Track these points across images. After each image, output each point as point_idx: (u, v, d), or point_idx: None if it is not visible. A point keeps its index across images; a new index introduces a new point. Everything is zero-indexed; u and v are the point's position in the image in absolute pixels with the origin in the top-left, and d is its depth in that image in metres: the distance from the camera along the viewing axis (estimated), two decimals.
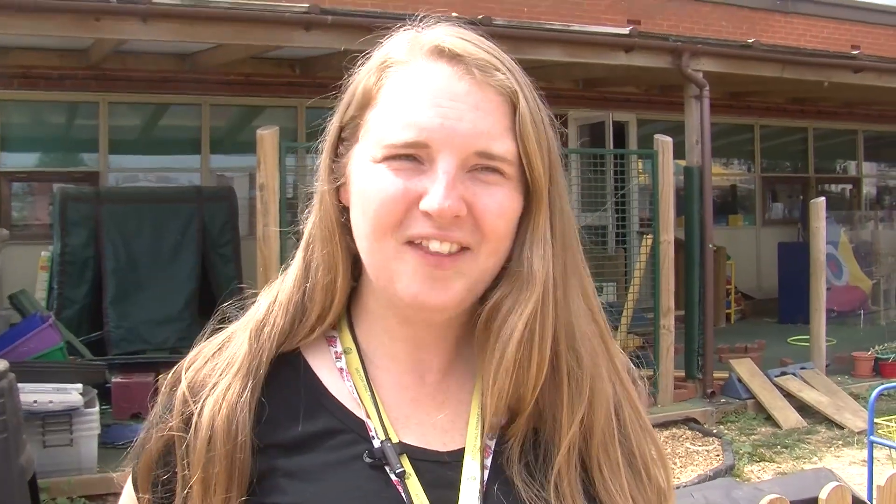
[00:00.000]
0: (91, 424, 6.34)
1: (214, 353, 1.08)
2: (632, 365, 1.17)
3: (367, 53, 1.08)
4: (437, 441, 1.04)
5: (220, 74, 10.43)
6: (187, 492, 1.01)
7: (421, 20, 1.07)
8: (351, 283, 1.09)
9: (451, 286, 0.98)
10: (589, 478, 1.03)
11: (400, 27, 1.08)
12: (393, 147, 0.99)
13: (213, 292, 9.31)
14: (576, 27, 9.58)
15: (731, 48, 9.98)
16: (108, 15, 7.09)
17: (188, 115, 11.14)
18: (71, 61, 9.98)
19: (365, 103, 1.04)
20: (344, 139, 1.07)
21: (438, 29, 1.05)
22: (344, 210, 1.06)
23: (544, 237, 1.03)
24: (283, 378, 1.06)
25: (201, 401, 1.03)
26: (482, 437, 1.04)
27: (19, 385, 5.36)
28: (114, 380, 7.48)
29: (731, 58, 9.80)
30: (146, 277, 9.12)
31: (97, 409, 6.48)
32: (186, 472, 1.01)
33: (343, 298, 1.08)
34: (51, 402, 6.10)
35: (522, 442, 1.03)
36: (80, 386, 6.34)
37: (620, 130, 12.91)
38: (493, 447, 1.04)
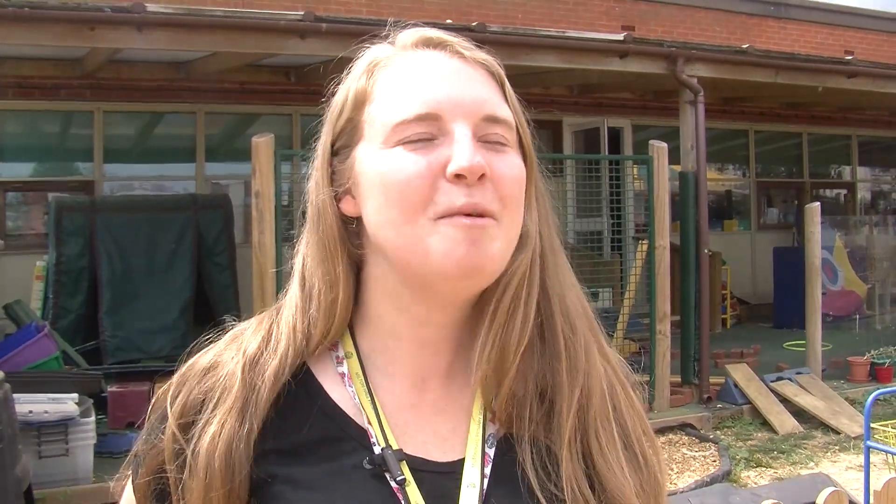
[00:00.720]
0: (87, 434, 6.32)
1: (201, 377, 1.06)
2: (629, 369, 1.17)
3: (349, 67, 1.10)
4: (436, 450, 1.04)
5: (214, 82, 10.43)
6: None
7: (393, 31, 1.11)
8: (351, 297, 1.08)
9: (490, 247, 0.98)
10: (586, 447, 1.04)
11: (377, 38, 1.11)
12: (405, 123, 1.00)
13: (209, 301, 9.31)
14: (571, 33, 9.59)
15: (726, 53, 10.01)
16: (103, 24, 7.09)
17: (183, 124, 11.14)
18: (65, 71, 9.98)
19: (361, 103, 1.05)
20: (341, 149, 1.07)
21: (413, 28, 1.10)
22: (346, 220, 1.06)
23: (534, 205, 1.07)
24: (288, 387, 1.05)
25: (193, 439, 1.01)
26: (483, 444, 1.04)
27: (15, 395, 5.35)
28: (109, 389, 7.47)
29: (726, 63, 9.82)
30: (141, 286, 9.11)
31: (93, 418, 6.46)
32: None
33: (345, 315, 1.07)
34: (46, 412, 6.08)
35: (531, 448, 1.03)
36: (75, 395, 6.32)
37: (615, 136, 12.94)
38: (492, 455, 1.04)
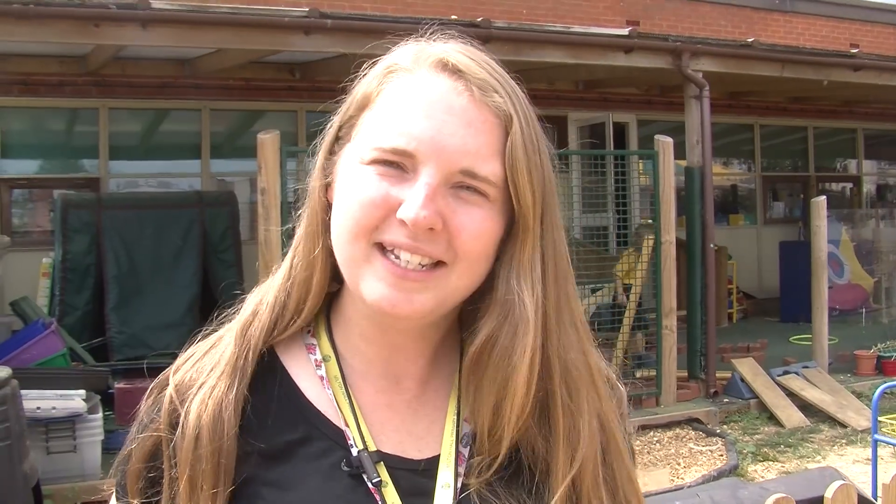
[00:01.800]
0: (94, 430, 6.35)
1: (202, 355, 1.10)
2: (611, 373, 1.16)
3: (375, 59, 1.09)
4: (412, 448, 1.06)
5: (219, 79, 10.43)
6: (175, 490, 1.02)
7: (432, 33, 1.08)
8: (333, 286, 1.10)
9: (415, 299, 0.99)
10: None
11: (411, 37, 1.08)
12: (381, 150, 0.99)
13: (215, 297, 9.30)
14: (575, 29, 9.58)
15: (731, 48, 9.98)
16: (108, 21, 7.09)
17: (188, 120, 11.14)
18: (71, 68, 9.99)
19: (363, 105, 1.05)
20: (340, 138, 1.08)
21: (448, 44, 1.06)
22: (330, 208, 1.07)
23: (532, 268, 1.02)
24: (265, 386, 1.07)
25: (188, 401, 1.04)
26: (457, 444, 1.05)
27: (22, 392, 5.36)
28: (116, 385, 7.48)
29: (731, 57, 9.80)
30: (147, 283, 9.12)
31: (100, 414, 6.48)
32: (174, 471, 1.02)
33: (319, 296, 1.09)
34: (54, 408, 6.10)
35: (501, 455, 1.03)
36: (83, 392, 6.33)
37: (621, 131, 12.91)
38: (466, 455, 1.04)
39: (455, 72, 1.01)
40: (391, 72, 1.04)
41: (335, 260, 1.06)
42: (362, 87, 1.07)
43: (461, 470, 1.03)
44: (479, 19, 8.32)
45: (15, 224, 10.42)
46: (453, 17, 9.08)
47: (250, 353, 1.06)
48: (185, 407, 1.03)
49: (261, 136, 7.02)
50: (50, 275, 9.30)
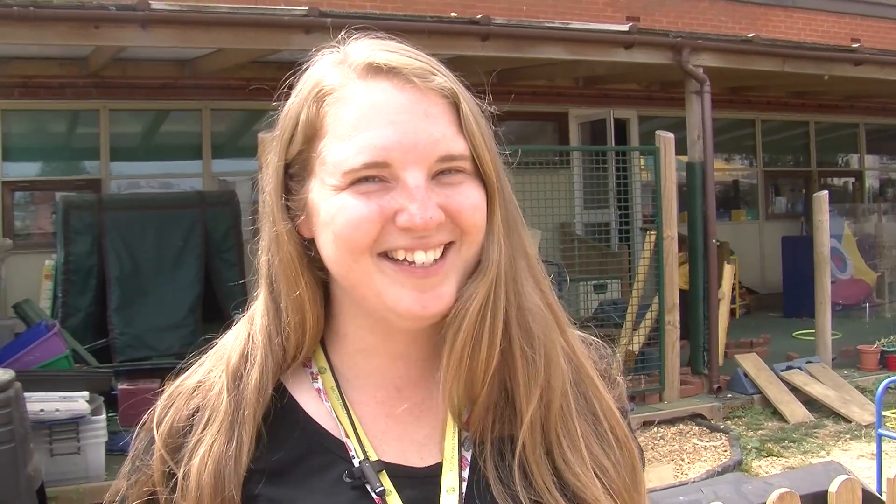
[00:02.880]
0: (98, 432, 6.35)
1: (186, 399, 1.08)
2: (601, 354, 1.18)
3: (290, 81, 1.08)
4: (415, 456, 1.05)
5: (220, 79, 10.42)
6: None
7: (339, 39, 1.08)
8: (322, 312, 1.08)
9: (442, 291, 0.99)
10: (550, 453, 1.04)
11: (317, 50, 1.09)
12: (353, 172, 0.98)
13: (217, 297, 9.32)
14: (575, 25, 9.57)
15: (732, 43, 9.97)
16: (107, 22, 7.10)
17: (189, 121, 11.14)
18: (71, 70, 9.99)
19: (311, 136, 1.03)
20: (293, 175, 1.06)
21: (362, 46, 1.05)
22: (305, 242, 1.06)
23: (497, 225, 1.04)
24: (271, 399, 1.06)
25: (183, 461, 1.03)
26: (459, 448, 1.04)
27: (26, 394, 5.37)
28: (120, 387, 7.48)
29: (732, 53, 9.79)
30: (150, 284, 9.12)
31: (104, 416, 6.49)
32: None
33: (315, 332, 1.08)
34: (57, 410, 6.10)
35: (498, 448, 1.03)
36: (86, 394, 6.34)
37: (622, 127, 12.91)
38: (469, 458, 1.04)
39: (389, 70, 1.01)
40: (326, 94, 1.03)
41: (324, 290, 1.07)
42: (300, 116, 1.04)
43: (465, 474, 1.03)
44: (478, 16, 8.31)
45: (17, 227, 10.41)
46: (452, 14, 9.07)
47: (249, 402, 1.03)
48: (182, 468, 1.02)
49: (261, 135, 7.01)
50: (52, 277, 9.30)
